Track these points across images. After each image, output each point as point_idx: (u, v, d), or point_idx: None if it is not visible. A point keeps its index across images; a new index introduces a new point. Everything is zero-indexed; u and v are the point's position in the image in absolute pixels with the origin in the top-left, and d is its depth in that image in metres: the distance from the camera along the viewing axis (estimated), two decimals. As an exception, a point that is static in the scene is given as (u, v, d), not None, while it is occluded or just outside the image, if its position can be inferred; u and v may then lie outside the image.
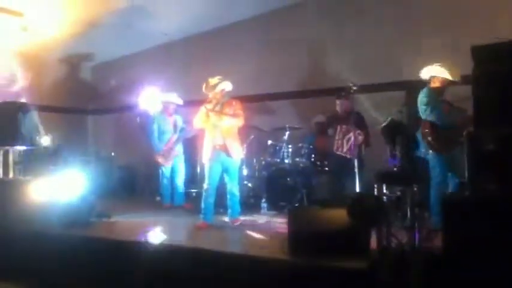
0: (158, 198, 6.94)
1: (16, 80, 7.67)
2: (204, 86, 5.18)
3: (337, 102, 5.63)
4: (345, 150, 5.33)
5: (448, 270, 3.08)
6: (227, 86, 5.20)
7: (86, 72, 9.53)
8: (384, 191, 3.82)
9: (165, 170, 6.51)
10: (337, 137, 5.40)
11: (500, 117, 3.33)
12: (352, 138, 5.20)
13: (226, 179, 5.25)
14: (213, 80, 5.15)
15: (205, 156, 5.17)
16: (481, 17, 5.61)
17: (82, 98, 9.30)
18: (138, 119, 7.07)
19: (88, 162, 7.62)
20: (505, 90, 3.29)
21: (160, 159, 6.46)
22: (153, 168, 6.90)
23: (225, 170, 5.20)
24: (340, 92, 5.49)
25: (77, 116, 9.34)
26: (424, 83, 4.80)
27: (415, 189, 3.71)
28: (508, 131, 3.21)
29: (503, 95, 3.31)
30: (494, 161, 3.25)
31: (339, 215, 3.58)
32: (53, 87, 8.73)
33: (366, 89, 5.57)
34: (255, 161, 6.63)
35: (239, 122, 5.19)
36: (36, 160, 6.22)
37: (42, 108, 6.78)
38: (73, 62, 9.12)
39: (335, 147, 5.32)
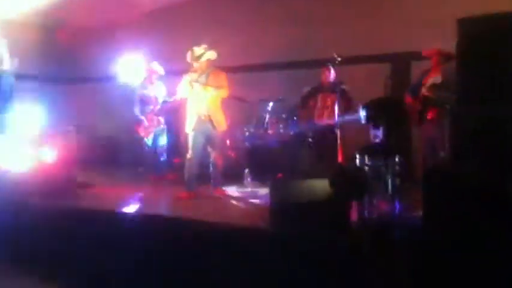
0: (141, 169, 6.89)
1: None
2: (188, 55, 5.08)
3: (324, 72, 5.61)
4: (325, 118, 5.37)
5: (428, 241, 3.13)
6: (212, 55, 5.11)
7: (66, 39, 9.22)
8: (366, 162, 3.84)
9: (148, 140, 6.43)
10: (319, 105, 5.44)
11: (484, 94, 3.32)
12: (331, 105, 5.24)
13: (210, 149, 5.22)
14: (198, 50, 5.05)
15: (189, 126, 5.12)
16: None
17: (60, 67, 9.03)
18: (119, 90, 6.93)
19: (68, 133, 7.51)
20: (491, 67, 3.26)
21: (142, 130, 6.37)
22: (136, 139, 6.82)
23: (209, 141, 5.17)
24: (325, 63, 5.46)
25: (55, 85, 9.09)
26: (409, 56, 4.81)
27: (397, 160, 3.74)
28: (492, 109, 3.22)
29: (489, 71, 3.29)
30: (476, 138, 3.27)
31: (321, 186, 3.59)
32: (28, 55, 8.45)
33: (351, 60, 5.52)
34: (238, 132, 6.59)
35: (223, 93, 5.14)
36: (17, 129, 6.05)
37: (18, 77, 6.55)
38: (49, 28, 8.80)
39: (316, 116, 5.35)
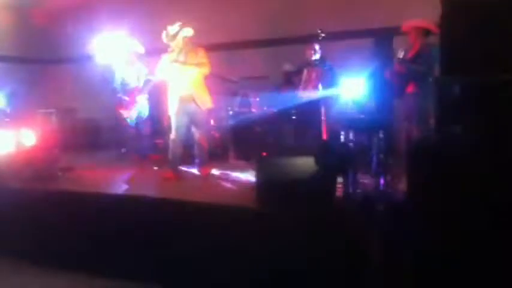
0: (123, 150, 6.81)
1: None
2: (164, 35, 4.97)
3: (308, 49, 5.56)
4: (309, 87, 5.35)
5: (412, 212, 3.16)
6: (188, 32, 5.00)
7: (42, 20, 8.97)
8: (351, 137, 3.85)
9: (130, 121, 6.33)
10: (303, 79, 5.41)
11: (467, 63, 3.33)
12: (315, 78, 5.23)
13: (194, 129, 5.16)
14: (172, 28, 4.94)
15: (171, 107, 5.05)
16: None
17: (40, 48, 8.80)
18: (100, 72, 6.78)
19: (49, 115, 7.38)
20: (474, 36, 3.26)
21: (123, 111, 6.26)
22: (118, 120, 6.71)
23: (193, 121, 5.10)
24: (309, 39, 5.41)
25: (34, 67, 8.88)
26: (392, 31, 4.78)
27: (381, 136, 3.76)
28: (475, 77, 3.23)
29: (472, 40, 3.29)
30: (459, 106, 3.29)
31: (306, 163, 3.59)
32: (5, 36, 8.23)
33: (334, 36, 5.48)
34: (222, 111, 6.54)
35: (205, 70, 5.05)
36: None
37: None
38: (25, 8, 8.54)
39: (301, 88, 5.33)
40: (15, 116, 6.03)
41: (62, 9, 8.54)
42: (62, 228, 4.35)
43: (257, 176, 3.77)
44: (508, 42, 3.10)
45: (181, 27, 4.94)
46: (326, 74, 5.05)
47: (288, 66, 6.27)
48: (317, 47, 5.42)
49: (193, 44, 5.10)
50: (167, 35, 4.93)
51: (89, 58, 7.19)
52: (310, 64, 5.53)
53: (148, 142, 6.44)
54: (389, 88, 4.67)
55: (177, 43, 4.94)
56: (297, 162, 3.70)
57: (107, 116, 7.41)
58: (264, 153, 5.66)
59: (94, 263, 4.12)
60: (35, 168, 5.07)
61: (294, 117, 5.94)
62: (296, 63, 6.00)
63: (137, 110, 6.28)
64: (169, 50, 5.01)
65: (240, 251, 3.54)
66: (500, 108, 3.13)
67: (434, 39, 4.48)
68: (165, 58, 4.98)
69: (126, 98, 6.22)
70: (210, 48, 5.31)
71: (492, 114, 3.16)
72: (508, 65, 3.12)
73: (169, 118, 5.17)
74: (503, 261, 2.77)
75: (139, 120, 6.33)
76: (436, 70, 4.21)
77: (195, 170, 5.36)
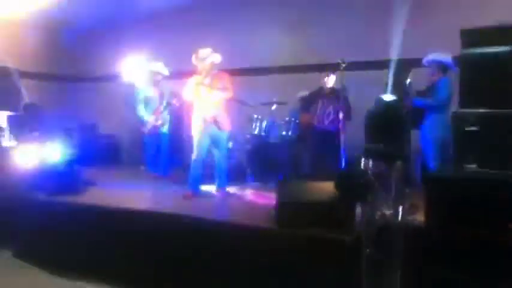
0: (143, 168, 6.96)
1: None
2: (194, 57, 5.18)
3: (326, 77, 5.71)
4: (326, 123, 5.48)
5: (429, 243, 3.25)
6: (217, 58, 5.22)
7: (69, 39, 9.29)
8: (370, 165, 3.95)
9: (151, 139, 6.50)
10: (318, 112, 5.55)
11: (484, 99, 3.48)
12: (332, 112, 5.35)
13: (215, 151, 5.32)
14: (203, 52, 5.15)
15: (194, 128, 5.21)
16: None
17: (65, 66, 9.09)
18: (123, 91, 7.00)
19: (71, 131, 7.57)
20: (490, 74, 3.42)
21: (146, 130, 6.43)
22: (138, 138, 6.89)
23: (214, 142, 5.27)
24: (328, 68, 5.57)
25: (59, 84, 9.16)
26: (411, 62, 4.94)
27: (400, 165, 3.86)
28: (489, 112, 3.36)
29: (489, 77, 3.45)
30: (475, 141, 3.41)
31: (327, 188, 3.70)
32: (33, 53, 8.52)
33: (354, 66, 5.63)
34: (240, 134, 6.68)
35: (228, 94, 5.24)
36: (21, 126, 6.13)
37: (25, 75, 6.62)
38: (53, 28, 8.86)
39: (317, 121, 5.46)
40: (41, 131, 6.21)
41: (89, 29, 8.85)
42: (86, 243, 4.47)
43: (278, 197, 3.86)
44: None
45: (211, 52, 5.15)
46: (342, 107, 5.18)
47: (304, 92, 6.43)
48: (333, 75, 5.59)
49: (218, 69, 5.31)
50: (197, 57, 5.15)
51: (112, 77, 7.44)
52: (326, 94, 5.66)
53: (168, 160, 6.60)
54: (407, 119, 4.79)
55: (205, 66, 5.14)
56: (317, 186, 3.81)
57: (128, 133, 7.62)
58: (282, 176, 5.84)
59: (114, 276, 4.21)
60: (59, 182, 5.22)
61: (311, 144, 6.07)
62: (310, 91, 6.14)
63: (159, 129, 6.46)
64: (196, 72, 5.21)
65: (258, 270, 3.63)
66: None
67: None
68: (192, 80, 5.18)
69: (149, 118, 6.41)
70: (230, 72, 5.51)
71: (508, 147, 3.29)
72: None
73: (191, 137, 5.33)
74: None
75: (160, 139, 6.51)
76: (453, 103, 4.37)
77: (214, 190, 5.47)
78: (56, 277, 4.36)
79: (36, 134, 6.10)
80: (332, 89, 5.68)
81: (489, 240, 2.96)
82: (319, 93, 5.82)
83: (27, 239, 4.83)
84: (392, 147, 3.93)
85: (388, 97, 4.31)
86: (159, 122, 6.46)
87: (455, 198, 3.23)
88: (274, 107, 6.46)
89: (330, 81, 5.71)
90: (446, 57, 4.77)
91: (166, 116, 6.54)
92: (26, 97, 6.64)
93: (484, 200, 3.10)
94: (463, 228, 3.12)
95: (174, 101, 6.22)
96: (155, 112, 6.45)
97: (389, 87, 5.24)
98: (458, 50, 3.69)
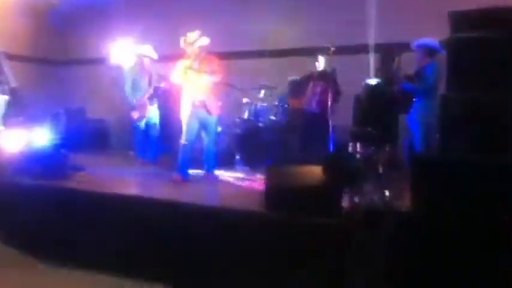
0: (131, 153, 6.93)
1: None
2: (182, 41, 5.13)
3: (315, 61, 5.69)
4: (313, 105, 5.48)
5: (416, 227, 3.28)
6: (205, 41, 5.18)
7: (55, 21, 9.13)
8: (358, 149, 3.98)
9: (140, 124, 6.45)
10: (308, 93, 5.54)
11: (471, 83, 3.49)
12: (319, 93, 5.35)
13: (204, 134, 5.31)
14: (192, 36, 5.11)
15: (184, 112, 5.19)
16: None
17: (52, 49, 8.95)
18: (110, 72, 6.92)
19: (58, 115, 7.49)
20: (478, 57, 3.43)
21: (134, 114, 6.39)
22: (126, 123, 6.83)
23: (203, 126, 5.26)
24: (317, 52, 5.55)
25: (47, 67, 9.02)
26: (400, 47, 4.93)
27: (387, 148, 3.89)
28: (476, 95, 3.38)
29: (476, 61, 3.45)
30: (462, 124, 3.43)
31: (315, 172, 3.71)
32: (18, 36, 8.36)
33: (341, 50, 5.61)
34: (229, 118, 6.66)
35: (216, 78, 5.21)
36: (7, 110, 6.05)
37: (12, 58, 6.51)
38: (40, 10, 8.70)
39: (306, 103, 5.45)
40: (27, 115, 6.13)
41: (76, 12, 8.69)
42: (74, 227, 4.44)
43: (267, 182, 3.88)
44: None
45: (200, 35, 5.10)
46: (332, 89, 5.17)
47: (293, 76, 6.42)
48: (322, 59, 5.56)
49: (206, 52, 5.26)
50: (186, 41, 5.10)
51: (100, 60, 7.35)
52: (316, 77, 5.66)
53: (157, 146, 6.57)
54: (395, 103, 4.81)
55: (194, 50, 5.10)
56: (306, 171, 3.82)
57: (116, 118, 7.55)
58: (269, 162, 5.85)
59: (101, 262, 4.20)
60: (46, 166, 5.17)
61: (300, 128, 6.08)
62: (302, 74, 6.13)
63: (147, 114, 6.42)
64: (185, 56, 5.16)
65: (248, 254, 3.65)
66: (501, 126, 3.28)
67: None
68: (181, 64, 5.14)
69: (137, 102, 6.36)
70: (219, 56, 5.47)
71: (494, 132, 3.32)
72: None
73: (180, 122, 5.31)
74: (501, 280, 2.89)
75: (148, 124, 6.47)
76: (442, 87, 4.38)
77: (203, 174, 5.47)
78: (42, 263, 4.30)
79: (21, 118, 6.01)
80: (322, 72, 5.66)
81: (477, 224, 3.00)
82: (310, 77, 5.80)
83: (12, 225, 4.78)
84: (379, 131, 3.96)
85: (374, 81, 4.30)
86: (148, 107, 6.39)
87: (442, 181, 3.25)
88: (263, 92, 6.42)
89: (320, 64, 5.68)
90: (433, 41, 4.77)
91: (155, 100, 6.47)
92: (13, 81, 6.50)
93: (470, 184, 3.13)
94: (449, 212, 3.14)
95: (162, 84, 6.17)
96: (144, 96, 6.38)
97: (377, 72, 5.29)
98: (446, 33, 3.68)
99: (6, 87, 6.32)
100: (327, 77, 5.37)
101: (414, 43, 4.90)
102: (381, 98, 4.56)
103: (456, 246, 3.04)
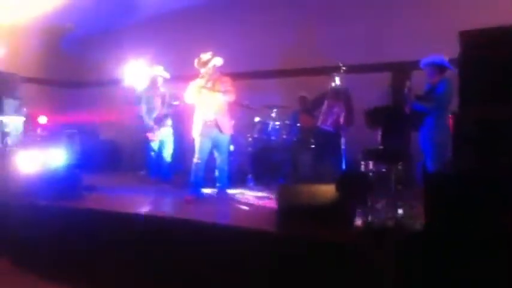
0: (143, 173, 6.98)
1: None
2: (196, 61, 5.23)
3: (331, 79, 5.71)
4: (328, 123, 5.47)
5: (429, 245, 3.25)
6: (218, 61, 5.25)
7: (70, 44, 9.33)
8: (371, 167, 3.96)
9: (153, 144, 6.50)
10: (323, 111, 5.53)
11: (483, 100, 3.48)
12: (336, 112, 5.34)
13: (216, 154, 5.34)
14: (205, 56, 5.19)
15: (196, 131, 5.24)
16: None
17: (65, 71, 9.13)
18: (124, 93, 7.02)
19: (72, 135, 7.59)
20: (489, 75, 3.43)
21: (149, 135, 6.43)
22: (139, 143, 6.90)
23: (215, 145, 5.29)
24: (330, 70, 5.58)
25: (61, 90, 9.20)
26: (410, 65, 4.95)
27: (400, 167, 3.87)
28: (488, 112, 3.37)
29: (488, 78, 3.45)
30: (475, 141, 3.41)
31: (327, 190, 3.71)
32: (34, 59, 8.56)
33: (353, 69, 5.64)
34: (242, 137, 6.69)
35: (230, 98, 5.26)
36: (24, 131, 6.16)
37: (27, 81, 6.66)
38: (55, 33, 8.90)
39: (320, 121, 5.45)
40: (43, 136, 6.24)
41: (90, 35, 8.89)
42: (86, 246, 4.47)
43: (279, 201, 3.88)
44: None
45: (213, 56, 5.18)
46: (346, 107, 5.18)
47: (304, 92, 6.45)
48: (337, 78, 5.58)
49: (220, 72, 5.33)
50: (199, 61, 5.19)
51: (113, 82, 7.46)
52: (331, 95, 5.66)
53: (169, 166, 6.60)
54: (407, 121, 4.80)
55: (207, 70, 5.18)
56: (318, 189, 3.82)
57: (129, 138, 7.63)
58: (282, 181, 5.85)
59: (113, 280, 4.21)
60: (60, 187, 5.22)
61: (312, 146, 6.08)
62: (314, 93, 6.15)
63: (161, 134, 6.45)
64: (199, 75, 5.24)
65: (259, 273, 3.63)
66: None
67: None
68: (194, 84, 5.21)
69: (151, 122, 6.41)
70: (232, 76, 5.53)
71: (507, 149, 3.29)
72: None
73: (193, 141, 5.34)
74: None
75: (161, 144, 6.51)
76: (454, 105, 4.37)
77: (215, 193, 5.49)
78: (56, 284, 4.33)
79: (38, 139, 6.12)
80: (336, 90, 5.66)
81: (490, 239, 2.96)
82: (324, 95, 5.80)
83: (27, 246, 4.82)
84: (392, 149, 3.94)
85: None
86: (162, 127, 6.43)
87: (455, 198, 3.22)
88: (275, 111, 6.46)
89: (336, 82, 5.69)
90: (440, 57, 4.77)
91: (168, 120, 6.51)
92: (28, 103, 6.65)
93: (485, 202, 3.09)
94: (464, 230, 3.11)
95: (176, 103, 6.24)
96: (157, 116, 6.42)
97: (388, 89, 5.30)
98: (456, 51, 3.69)
99: (23, 109, 6.44)
100: (341, 96, 5.37)
101: (422, 62, 4.91)
102: (392, 117, 4.54)
103: (471, 265, 3.01)
